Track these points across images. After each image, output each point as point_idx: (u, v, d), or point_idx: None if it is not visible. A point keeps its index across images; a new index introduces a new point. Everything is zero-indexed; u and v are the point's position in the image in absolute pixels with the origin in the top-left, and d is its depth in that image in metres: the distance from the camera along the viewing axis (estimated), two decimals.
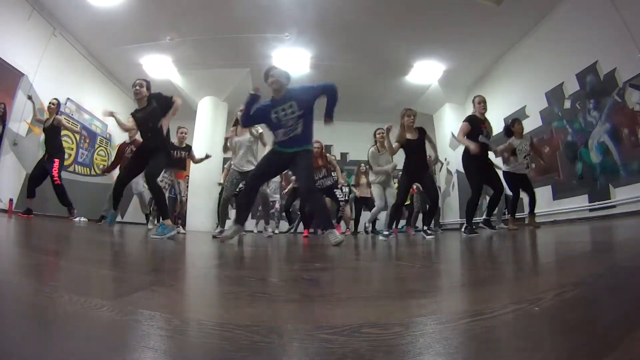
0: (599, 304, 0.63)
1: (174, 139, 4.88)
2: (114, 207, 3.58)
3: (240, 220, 2.70)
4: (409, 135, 3.65)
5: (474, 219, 3.68)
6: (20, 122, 4.66)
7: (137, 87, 2.99)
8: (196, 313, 0.61)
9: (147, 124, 2.99)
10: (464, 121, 3.73)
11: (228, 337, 0.45)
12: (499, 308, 0.60)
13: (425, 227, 3.77)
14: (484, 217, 4.01)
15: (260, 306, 0.66)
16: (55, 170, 4.26)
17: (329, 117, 2.70)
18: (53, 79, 5.19)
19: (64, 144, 5.58)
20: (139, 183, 4.82)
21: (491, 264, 1.49)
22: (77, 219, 4.97)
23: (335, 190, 4.76)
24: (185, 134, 4.75)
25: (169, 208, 4.83)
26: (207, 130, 6.95)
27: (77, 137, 5.81)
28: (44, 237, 2.17)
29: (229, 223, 3.26)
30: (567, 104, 4.82)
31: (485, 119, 3.77)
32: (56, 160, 4.32)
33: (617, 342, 0.41)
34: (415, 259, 1.69)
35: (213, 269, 1.30)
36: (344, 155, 8.94)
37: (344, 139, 8.22)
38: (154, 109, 2.97)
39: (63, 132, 5.50)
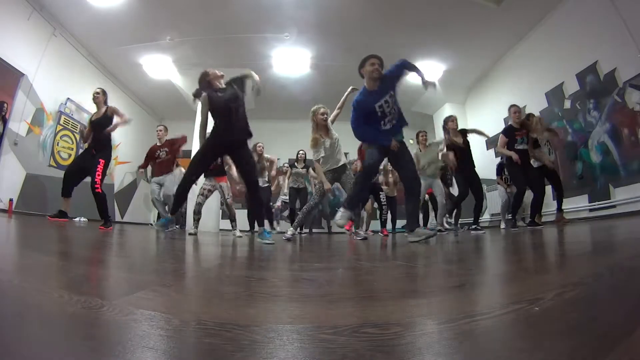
0: (599, 304, 0.63)
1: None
2: (173, 210, 2.85)
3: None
4: (455, 139, 4.05)
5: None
6: (20, 122, 4.65)
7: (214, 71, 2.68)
8: (196, 313, 0.61)
9: (230, 110, 2.50)
10: (500, 133, 4.02)
11: (228, 337, 0.45)
12: (499, 308, 0.60)
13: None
14: (529, 219, 4.04)
15: (260, 306, 0.66)
16: (98, 173, 3.44)
17: (427, 82, 2.57)
18: (53, 79, 5.19)
19: (64, 144, 5.59)
20: (169, 188, 4.53)
21: (491, 264, 1.49)
22: (77, 219, 4.97)
23: (380, 192, 4.87)
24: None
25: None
26: (207, 130, 6.93)
27: (77, 136, 5.80)
28: (45, 238, 2.17)
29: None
30: (567, 104, 4.82)
31: (530, 119, 4.03)
32: (101, 160, 3.51)
33: (617, 342, 0.41)
34: (416, 259, 1.69)
35: (213, 269, 1.30)
36: (344, 154, 8.92)
37: (344, 139, 8.21)
38: (235, 92, 2.49)
39: (64, 133, 5.54)
